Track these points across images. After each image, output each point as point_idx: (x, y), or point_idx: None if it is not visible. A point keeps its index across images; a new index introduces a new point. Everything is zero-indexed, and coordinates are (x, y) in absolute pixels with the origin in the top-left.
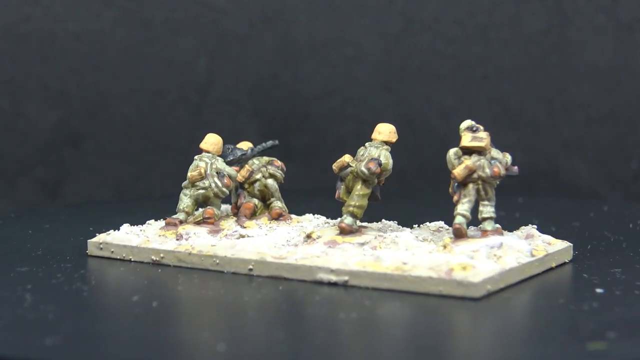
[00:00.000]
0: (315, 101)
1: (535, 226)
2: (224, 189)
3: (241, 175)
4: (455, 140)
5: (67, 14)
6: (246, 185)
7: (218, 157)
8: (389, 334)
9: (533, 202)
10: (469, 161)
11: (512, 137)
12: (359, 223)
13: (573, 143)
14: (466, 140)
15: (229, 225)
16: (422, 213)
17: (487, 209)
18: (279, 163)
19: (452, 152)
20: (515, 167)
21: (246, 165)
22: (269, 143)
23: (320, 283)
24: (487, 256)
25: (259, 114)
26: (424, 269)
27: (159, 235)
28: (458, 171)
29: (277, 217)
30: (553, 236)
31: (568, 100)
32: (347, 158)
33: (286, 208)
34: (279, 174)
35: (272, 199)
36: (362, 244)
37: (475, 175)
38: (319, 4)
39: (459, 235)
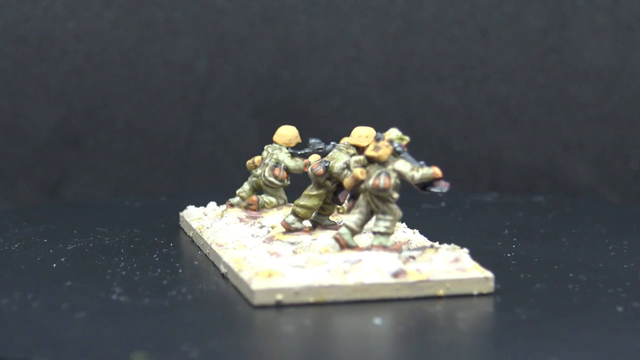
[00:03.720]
0: (315, 101)
1: (466, 250)
2: (271, 179)
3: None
4: (455, 140)
5: (67, 14)
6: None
7: (284, 148)
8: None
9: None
10: (359, 170)
11: (512, 137)
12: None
13: (573, 143)
14: (369, 148)
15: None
16: (421, 213)
17: (379, 223)
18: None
19: (354, 158)
20: (443, 183)
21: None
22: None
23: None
24: (335, 270)
25: (259, 114)
26: (252, 271)
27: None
28: (347, 179)
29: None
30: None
31: (568, 100)
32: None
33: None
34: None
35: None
36: (292, 244)
37: (362, 186)
38: (319, 4)
39: (340, 245)
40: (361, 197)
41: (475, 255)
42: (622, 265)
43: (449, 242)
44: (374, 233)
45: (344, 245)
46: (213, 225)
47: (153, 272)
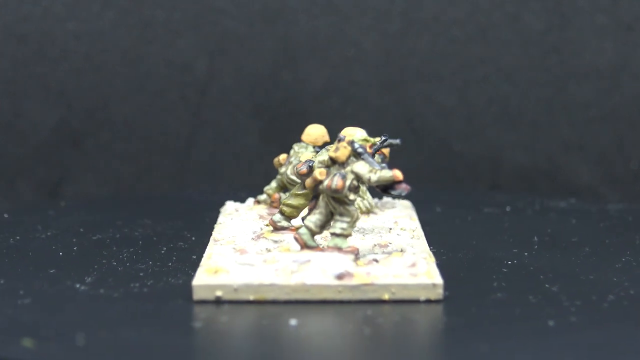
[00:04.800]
0: (315, 101)
1: (424, 256)
2: (293, 177)
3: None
4: (455, 140)
5: (67, 14)
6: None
7: (310, 147)
8: None
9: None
10: (318, 171)
11: (512, 137)
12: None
13: (573, 143)
14: (331, 149)
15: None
16: (420, 213)
17: (336, 224)
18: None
19: (318, 159)
20: (404, 186)
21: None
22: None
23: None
24: (284, 269)
25: (259, 114)
26: (203, 267)
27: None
28: (308, 180)
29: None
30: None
31: (568, 100)
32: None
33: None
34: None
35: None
36: (276, 242)
37: (321, 187)
38: (319, 4)
39: (299, 244)
40: (321, 197)
41: (464, 262)
42: (613, 278)
43: (458, 247)
44: (331, 234)
45: (302, 245)
46: (227, 221)
47: (141, 265)
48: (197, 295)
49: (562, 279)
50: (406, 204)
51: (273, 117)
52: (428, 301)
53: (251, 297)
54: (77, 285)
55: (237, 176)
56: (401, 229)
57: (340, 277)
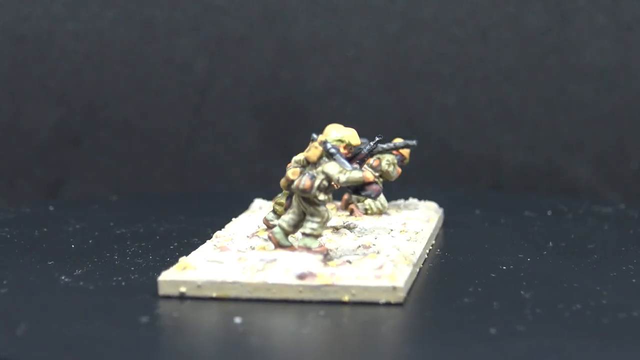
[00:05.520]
0: (315, 101)
1: (392, 258)
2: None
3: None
4: (455, 140)
5: (67, 14)
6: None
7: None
8: None
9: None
10: (291, 170)
11: (512, 137)
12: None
13: (573, 143)
14: (307, 149)
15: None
16: (457, 215)
17: (306, 224)
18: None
19: (294, 158)
20: (374, 187)
21: None
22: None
23: None
24: (251, 267)
25: (259, 114)
26: (176, 263)
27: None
28: (282, 179)
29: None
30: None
31: (568, 100)
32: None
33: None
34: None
35: None
36: (266, 240)
37: (292, 186)
38: (319, 4)
39: (273, 243)
40: (294, 197)
41: (457, 266)
42: (596, 287)
43: (465, 251)
44: (302, 234)
45: (276, 244)
46: (244, 218)
47: (140, 259)
48: (162, 290)
49: (543, 285)
50: (432, 205)
51: (273, 117)
52: (388, 304)
53: (214, 294)
54: (62, 277)
55: (237, 176)
56: (402, 231)
57: (301, 277)
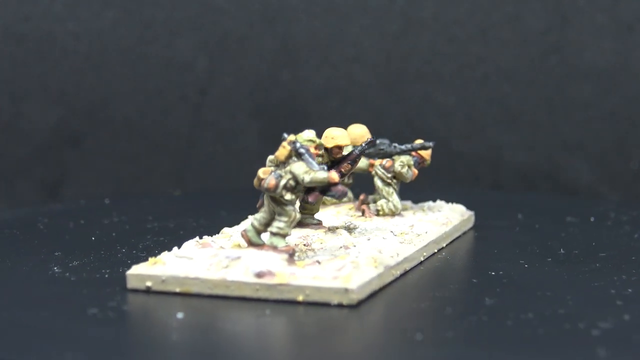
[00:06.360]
0: (315, 101)
1: (356, 260)
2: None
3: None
4: (455, 140)
5: (67, 14)
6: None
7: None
8: None
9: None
10: (262, 169)
11: (513, 137)
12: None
13: (573, 143)
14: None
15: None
16: (496, 219)
17: (274, 223)
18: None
19: (269, 158)
20: (339, 187)
21: None
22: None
23: None
24: (217, 264)
25: (259, 114)
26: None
27: None
28: (255, 179)
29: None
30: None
31: (568, 100)
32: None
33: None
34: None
35: None
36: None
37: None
38: (319, 4)
39: (245, 241)
40: (265, 196)
41: (446, 272)
42: (566, 296)
43: (467, 257)
44: (270, 233)
45: (248, 242)
46: (251, 216)
47: (141, 254)
48: (130, 284)
49: (515, 293)
50: (458, 208)
51: (273, 117)
52: (340, 305)
53: (177, 289)
54: (55, 268)
55: (237, 176)
56: (402, 233)
57: (260, 275)
